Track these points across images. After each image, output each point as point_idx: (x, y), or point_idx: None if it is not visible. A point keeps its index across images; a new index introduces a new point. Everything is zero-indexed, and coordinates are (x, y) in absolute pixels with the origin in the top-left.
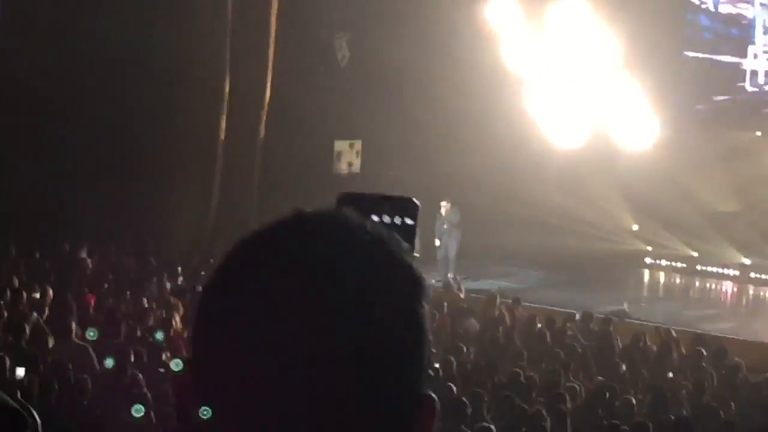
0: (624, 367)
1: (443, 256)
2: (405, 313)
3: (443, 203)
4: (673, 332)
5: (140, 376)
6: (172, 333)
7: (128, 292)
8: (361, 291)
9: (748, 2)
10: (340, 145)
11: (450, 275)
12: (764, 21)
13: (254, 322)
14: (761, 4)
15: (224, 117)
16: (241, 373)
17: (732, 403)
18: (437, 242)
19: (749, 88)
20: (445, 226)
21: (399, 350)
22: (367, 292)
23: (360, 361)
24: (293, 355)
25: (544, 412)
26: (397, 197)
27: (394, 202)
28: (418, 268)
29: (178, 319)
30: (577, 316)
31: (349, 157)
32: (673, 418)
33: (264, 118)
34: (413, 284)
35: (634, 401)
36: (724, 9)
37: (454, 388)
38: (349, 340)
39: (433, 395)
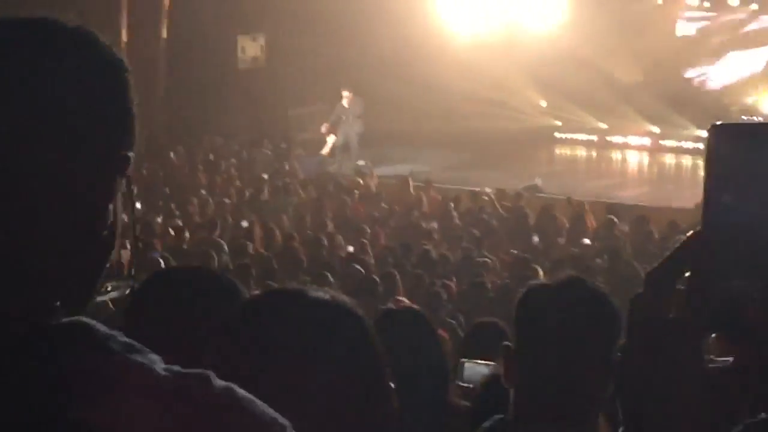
0: (537, 239)
1: (343, 145)
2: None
3: (345, 93)
4: (586, 204)
5: None
6: None
7: None
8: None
9: None
10: (243, 40)
11: (361, 162)
12: None
13: None
14: None
15: (125, 19)
16: None
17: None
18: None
19: None
20: (343, 117)
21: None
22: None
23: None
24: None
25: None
26: None
27: None
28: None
29: None
30: (491, 193)
31: (253, 51)
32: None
33: (165, 17)
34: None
35: (541, 271)
36: None
37: (362, 270)
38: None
39: (129, 154)
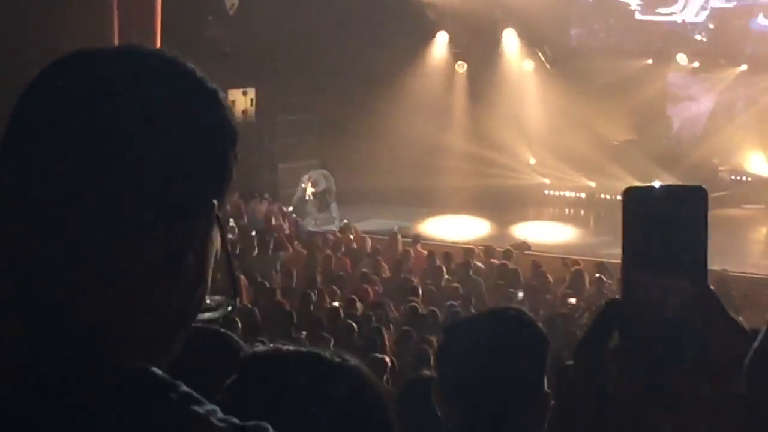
0: (521, 296)
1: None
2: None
3: (303, 180)
4: (578, 261)
5: None
6: None
7: None
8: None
9: None
10: (233, 94)
11: (345, 220)
12: None
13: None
14: None
15: None
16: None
17: None
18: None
19: (639, 17)
20: (307, 198)
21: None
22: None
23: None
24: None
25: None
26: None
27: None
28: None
29: None
30: (480, 250)
31: (243, 105)
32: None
33: None
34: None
35: None
36: None
37: (355, 327)
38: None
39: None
